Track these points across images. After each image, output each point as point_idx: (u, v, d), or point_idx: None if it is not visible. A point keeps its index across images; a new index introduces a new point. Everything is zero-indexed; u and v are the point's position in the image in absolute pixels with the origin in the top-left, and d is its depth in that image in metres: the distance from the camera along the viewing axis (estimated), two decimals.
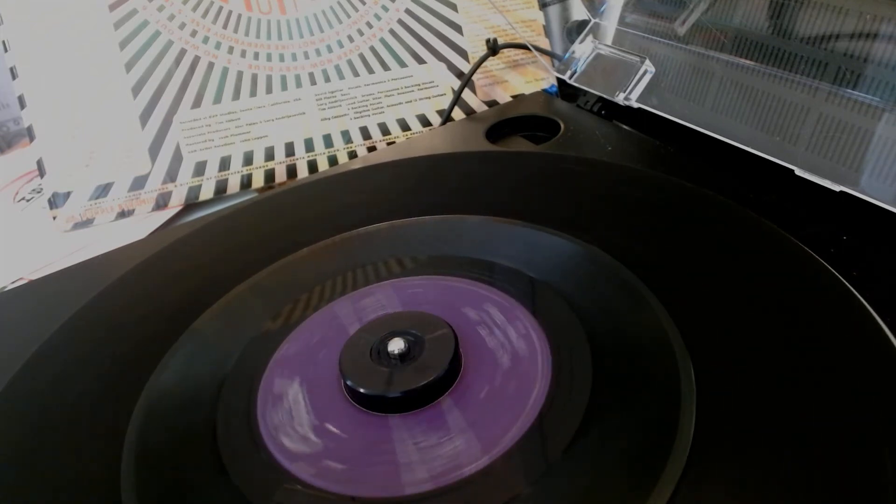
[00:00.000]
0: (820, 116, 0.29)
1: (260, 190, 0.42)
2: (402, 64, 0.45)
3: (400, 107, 0.45)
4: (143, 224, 0.40)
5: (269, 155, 0.42)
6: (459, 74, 0.46)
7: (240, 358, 0.24)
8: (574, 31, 0.47)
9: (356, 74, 0.44)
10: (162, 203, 0.41)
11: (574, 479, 0.18)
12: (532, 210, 0.29)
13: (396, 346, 0.22)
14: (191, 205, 0.42)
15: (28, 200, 0.45)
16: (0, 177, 0.49)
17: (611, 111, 0.40)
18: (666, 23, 0.37)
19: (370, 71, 0.45)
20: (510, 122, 0.41)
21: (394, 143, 0.44)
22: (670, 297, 0.23)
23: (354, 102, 0.44)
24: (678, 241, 0.27)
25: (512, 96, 0.46)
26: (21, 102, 0.40)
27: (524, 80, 0.47)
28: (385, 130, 0.44)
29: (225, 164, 0.42)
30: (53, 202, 0.40)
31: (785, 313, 0.22)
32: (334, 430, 0.21)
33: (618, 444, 0.19)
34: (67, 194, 0.40)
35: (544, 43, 0.48)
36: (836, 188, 0.27)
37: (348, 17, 0.45)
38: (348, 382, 0.21)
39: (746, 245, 0.26)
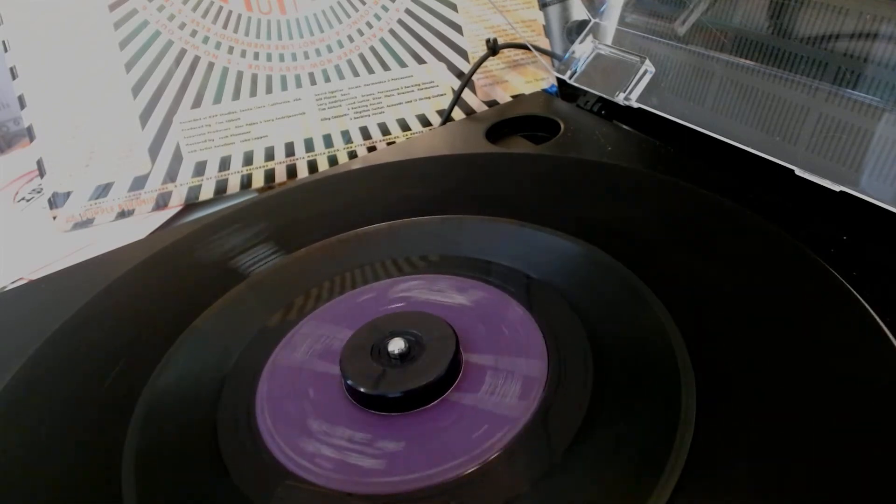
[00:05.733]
0: (820, 116, 0.29)
1: (260, 190, 0.42)
2: (402, 64, 0.45)
3: (400, 107, 0.45)
4: (143, 224, 0.40)
5: (269, 155, 0.42)
6: (459, 74, 0.46)
7: (240, 357, 0.24)
8: (574, 31, 0.47)
9: (356, 74, 0.44)
10: (162, 203, 0.41)
11: (575, 479, 0.18)
12: (532, 210, 0.29)
13: (397, 345, 0.22)
14: (191, 205, 0.42)
15: (28, 200, 0.45)
16: (0, 177, 0.49)
17: (611, 111, 0.40)
18: (666, 23, 0.37)
19: (370, 71, 0.45)
20: (510, 122, 0.41)
21: (394, 143, 0.44)
22: (670, 296, 0.23)
23: (354, 102, 0.44)
24: (678, 241, 0.27)
25: (512, 96, 0.46)
26: (21, 102, 0.40)
27: (524, 80, 0.47)
28: (385, 130, 0.44)
29: (225, 164, 0.42)
30: (53, 202, 0.40)
31: (785, 313, 0.22)
32: (334, 429, 0.21)
33: (619, 444, 0.19)
34: (67, 194, 0.40)
35: (544, 43, 0.48)
36: (836, 188, 0.27)
37: (348, 17, 0.45)
38: (349, 382, 0.21)
39: (746, 245, 0.26)
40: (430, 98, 0.45)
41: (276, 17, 0.44)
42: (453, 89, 0.45)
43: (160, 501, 0.19)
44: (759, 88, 0.32)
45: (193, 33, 0.42)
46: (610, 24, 0.41)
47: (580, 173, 0.33)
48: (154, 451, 0.21)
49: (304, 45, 0.44)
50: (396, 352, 0.22)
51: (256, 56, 0.43)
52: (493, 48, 0.45)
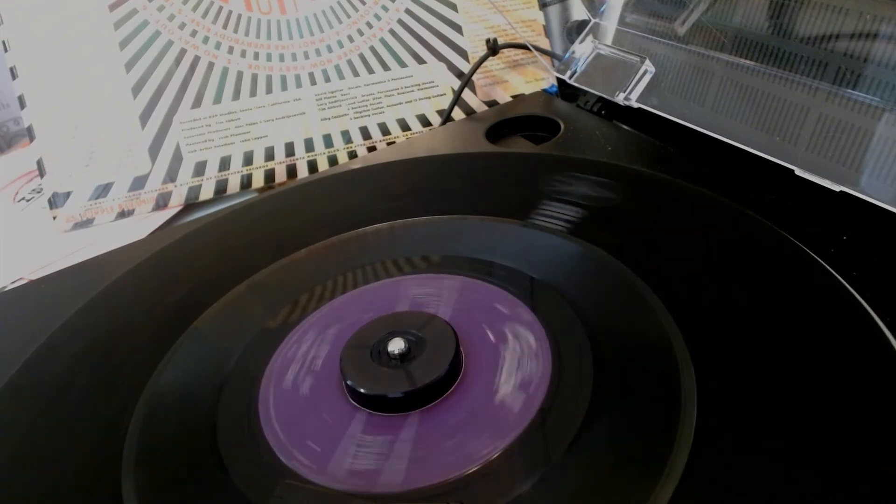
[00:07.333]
0: (820, 116, 0.29)
1: (260, 190, 0.42)
2: (402, 64, 0.45)
3: (400, 107, 0.45)
4: (143, 224, 0.40)
5: (269, 155, 0.42)
6: (459, 74, 0.46)
7: (240, 357, 0.24)
8: (574, 31, 0.47)
9: (356, 74, 0.44)
10: (162, 203, 0.41)
11: (575, 478, 0.18)
12: (532, 210, 0.29)
13: (397, 346, 0.22)
14: (191, 205, 0.42)
15: (28, 200, 0.45)
16: (0, 177, 0.49)
17: (611, 111, 0.40)
18: (666, 23, 0.37)
19: (370, 71, 0.45)
20: (510, 122, 0.41)
21: (394, 143, 0.44)
22: (671, 296, 0.23)
23: (354, 102, 0.44)
24: (679, 242, 0.27)
25: (512, 96, 0.46)
26: (21, 102, 0.40)
27: (524, 80, 0.47)
28: (385, 130, 0.44)
29: (225, 164, 0.42)
30: (53, 202, 0.40)
31: (785, 313, 0.22)
32: (334, 429, 0.21)
33: (619, 443, 0.19)
34: (67, 194, 0.40)
35: (544, 43, 0.48)
36: (836, 188, 0.27)
37: (348, 17, 0.45)
38: (348, 382, 0.21)
39: (747, 245, 0.26)
40: (430, 98, 0.45)
41: (276, 17, 0.44)
42: (453, 89, 0.45)
43: (160, 501, 0.19)
44: (759, 88, 0.32)
45: (193, 33, 0.42)
46: (610, 24, 0.41)
47: (580, 173, 0.33)
48: (154, 451, 0.21)
49: (304, 45, 0.44)
50: (396, 352, 0.22)
51: (256, 56, 0.43)
52: (493, 48, 0.45)
